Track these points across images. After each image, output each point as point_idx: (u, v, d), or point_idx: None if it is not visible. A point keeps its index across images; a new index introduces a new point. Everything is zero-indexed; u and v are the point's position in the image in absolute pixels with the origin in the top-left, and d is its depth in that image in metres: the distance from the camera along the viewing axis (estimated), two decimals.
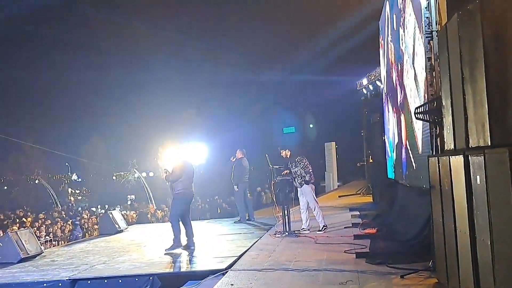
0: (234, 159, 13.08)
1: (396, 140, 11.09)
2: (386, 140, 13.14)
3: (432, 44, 7.29)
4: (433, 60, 7.26)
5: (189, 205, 9.82)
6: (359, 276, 6.16)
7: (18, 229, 16.28)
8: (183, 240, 9.43)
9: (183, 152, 9.97)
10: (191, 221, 9.86)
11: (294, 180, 10.15)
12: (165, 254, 9.06)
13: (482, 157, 3.84)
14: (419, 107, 6.79)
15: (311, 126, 29.67)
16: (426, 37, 7.32)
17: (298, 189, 10.24)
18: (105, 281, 7.62)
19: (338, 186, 25.18)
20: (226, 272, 6.99)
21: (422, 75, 8.15)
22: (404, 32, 9.44)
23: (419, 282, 5.74)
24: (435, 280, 5.62)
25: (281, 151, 10.42)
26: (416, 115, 6.64)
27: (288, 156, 10.35)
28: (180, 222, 9.54)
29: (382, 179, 13.80)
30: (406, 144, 9.67)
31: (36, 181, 43.84)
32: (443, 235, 5.19)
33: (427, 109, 6.63)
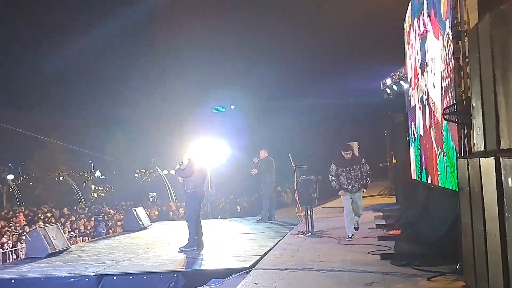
0: (257, 159, 13.13)
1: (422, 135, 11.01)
2: (411, 140, 13.00)
3: (460, 45, 7.21)
4: (461, 60, 7.18)
5: (200, 204, 9.86)
6: (384, 278, 6.12)
7: (44, 224, 16.59)
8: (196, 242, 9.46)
9: (198, 152, 9.98)
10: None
11: (350, 183, 9.30)
12: (179, 251, 9.13)
13: None
14: (447, 108, 6.72)
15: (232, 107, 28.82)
16: (454, 37, 7.23)
17: (347, 193, 9.33)
18: (131, 277, 7.74)
19: None
20: (250, 271, 7.02)
21: (437, 77, 8.16)
22: (426, 34, 9.38)
23: (446, 284, 5.69)
24: (463, 283, 5.56)
25: (345, 152, 9.37)
26: (445, 116, 6.57)
27: (350, 158, 9.44)
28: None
29: (405, 180, 13.67)
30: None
31: (61, 178, 44.46)
32: (471, 238, 5.13)
33: (455, 110, 6.56)
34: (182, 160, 9.68)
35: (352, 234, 9.21)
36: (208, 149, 15.57)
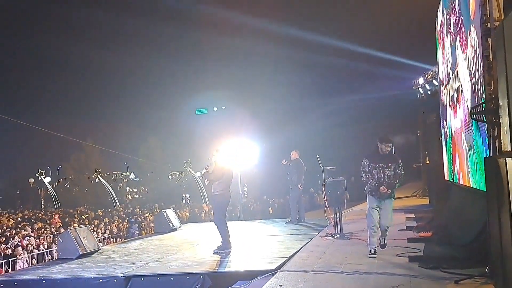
0: (286, 162, 13.07)
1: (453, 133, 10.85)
2: (444, 139, 12.77)
3: (490, 43, 7.04)
4: (491, 58, 7.01)
5: (227, 206, 9.84)
6: (411, 281, 5.99)
7: (78, 226, 16.91)
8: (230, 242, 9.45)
9: (225, 155, 9.96)
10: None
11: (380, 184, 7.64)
12: (213, 253, 9.14)
13: None
14: (475, 107, 6.56)
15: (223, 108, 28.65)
16: (484, 35, 7.07)
17: (374, 198, 7.74)
18: (158, 278, 7.78)
19: None
20: (276, 273, 6.98)
21: (467, 76, 8.02)
22: (456, 32, 9.20)
23: None
24: (492, 286, 5.41)
25: (385, 144, 7.69)
26: (472, 115, 6.41)
27: (387, 153, 7.80)
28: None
29: (439, 181, 13.42)
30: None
31: (96, 180, 45.29)
32: (499, 240, 4.99)
33: (483, 109, 6.40)
34: (208, 164, 9.71)
35: (375, 250, 7.66)
36: (237, 151, 15.63)
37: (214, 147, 10.02)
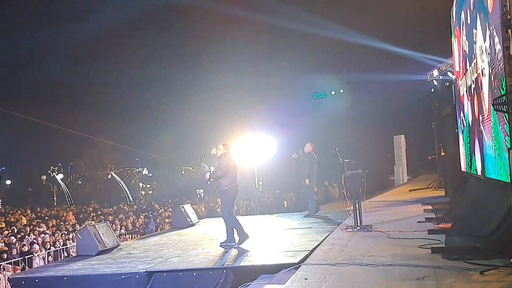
0: (297, 155, 13.05)
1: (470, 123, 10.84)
2: (460, 132, 12.74)
3: (510, 33, 6.99)
4: (511, 50, 6.97)
5: (235, 199, 9.89)
6: (436, 272, 6.01)
7: (93, 222, 17.04)
8: (236, 237, 9.50)
9: (228, 149, 9.92)
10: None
11: None
12: (220, 246, 9.28)
13: None
14: (497, 98, 6.54)
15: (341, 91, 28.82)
16: (503, 26, 7.03)
17: None
18: (180, 273, 7.82)
19: (408, 180, 24.62)
20: (299, 266, 7.00)
21: (486, 67, 8.00)
22: (473, 24, 9.15)
23: (500, 278, 5.54)
24: None
25: None
26: (495, 106, 6.40)
27: None
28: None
29: (455, 173, 13.40)
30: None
31: (109, 176, 45.55)
32: None
33: (505, 100, 6.39)
34: (210, 168, 9.77)
35: None
36: (253, 145, 15.75)
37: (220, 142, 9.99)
